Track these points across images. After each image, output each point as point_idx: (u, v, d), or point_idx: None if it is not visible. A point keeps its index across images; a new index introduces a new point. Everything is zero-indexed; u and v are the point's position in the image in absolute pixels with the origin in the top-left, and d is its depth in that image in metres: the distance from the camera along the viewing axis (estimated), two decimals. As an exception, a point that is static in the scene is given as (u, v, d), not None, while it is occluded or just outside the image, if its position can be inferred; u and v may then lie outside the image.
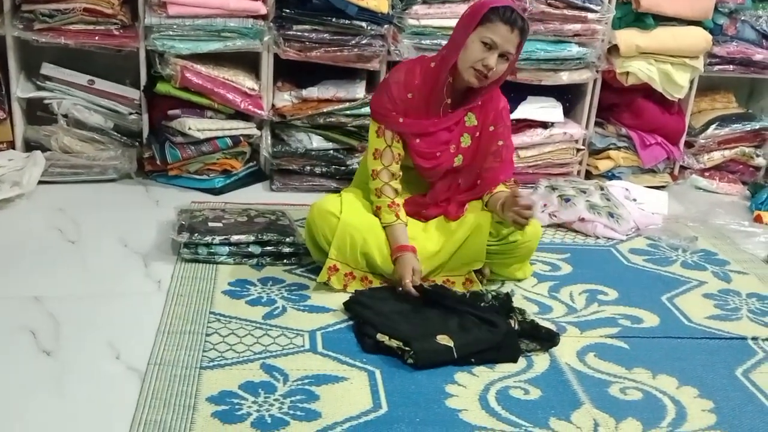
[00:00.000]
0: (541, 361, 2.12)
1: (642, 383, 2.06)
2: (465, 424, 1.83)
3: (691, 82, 3.67)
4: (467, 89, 2.41)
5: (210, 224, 2.61)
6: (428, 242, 2.47)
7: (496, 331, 2.13)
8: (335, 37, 3.18)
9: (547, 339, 2.18)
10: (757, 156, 3.93)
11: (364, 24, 3.16)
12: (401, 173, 2.48)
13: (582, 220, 3.07)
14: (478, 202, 2.54)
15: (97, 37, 3.09)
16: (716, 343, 2.32)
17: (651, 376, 2.10)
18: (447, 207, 2.54)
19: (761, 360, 2.24)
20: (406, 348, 2.03)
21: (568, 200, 3.13)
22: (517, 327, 2.19)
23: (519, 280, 2.59)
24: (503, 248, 2.48)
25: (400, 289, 2.32)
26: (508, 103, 2.53)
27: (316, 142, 3.29)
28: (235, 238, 2.53)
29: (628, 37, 3.45)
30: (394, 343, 2.06)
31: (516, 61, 2.40)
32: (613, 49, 3.50)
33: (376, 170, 2.46)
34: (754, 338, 2.36)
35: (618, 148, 3.70)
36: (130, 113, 3.27)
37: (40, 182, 3.03)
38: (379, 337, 2.08)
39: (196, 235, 2.52)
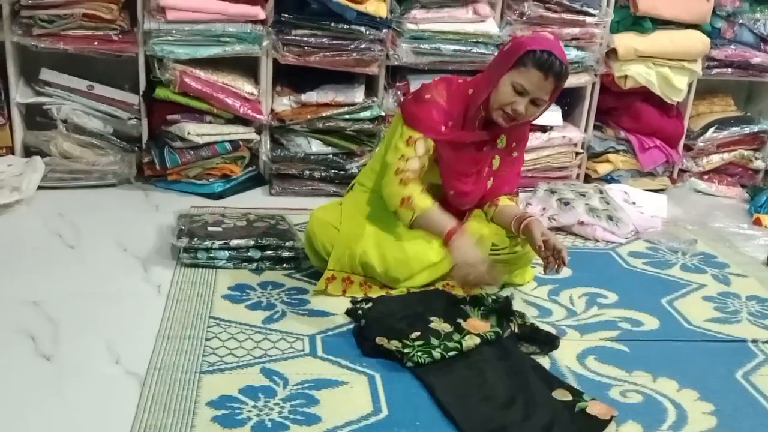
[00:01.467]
0: (541, 364, 2.12)
1: (642, 386, 2.06)
2: (465, 427, 1.82)
3: (690, 85, 3.67)
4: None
5: (209, 229, 2.60)
6: (431, 252, 2.41)
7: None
8: (334, 42, 3.18)
9: (547, 342, 2.19)
10: (756, 159, 3.93)
11: (362, 28, 3.17)
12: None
13: (581, 223, 3.07)
14: (479, 211, 2.54)
15: (96, 43, 3.09)
16: (716, 345, 2.32)
17: (651, 378, 2.10)
18: None
19: (761, 362, 2.23)
20: (405, 350, 2.03)
21: (567, 204, 3.13)
22: (516, 330, 2.19)
23: (519, 285, 2.59)
24: (505, 258, 2.48)
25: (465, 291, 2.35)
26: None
27: (315, 146, 3.29)
28: (234, 242, 2.52)
29: (626, 41, 3.46)
30: (393, 345, 2.05)
31: (549, 105, 2.34)
32: (612, 53, 3.50)
33: (400, 168, 2.31)
34: (754, 341, 2.36)
35: (617, 152, 3.71)
36: (130, 118, 3.27)
37: (40, 187, 3.03)
38: (378, 340, 2.08)
39: (195, 239, 2.52)
